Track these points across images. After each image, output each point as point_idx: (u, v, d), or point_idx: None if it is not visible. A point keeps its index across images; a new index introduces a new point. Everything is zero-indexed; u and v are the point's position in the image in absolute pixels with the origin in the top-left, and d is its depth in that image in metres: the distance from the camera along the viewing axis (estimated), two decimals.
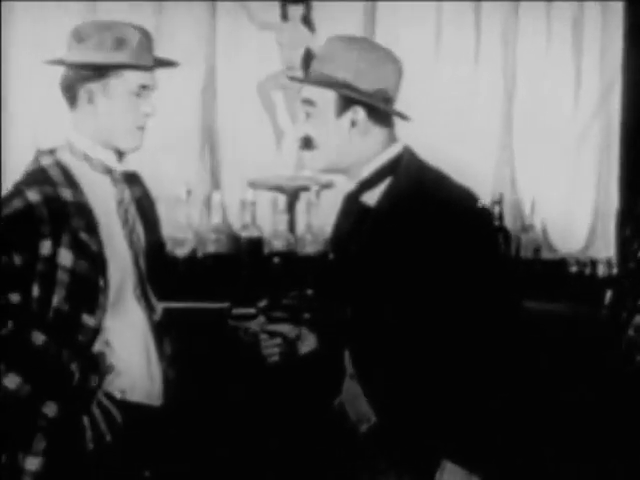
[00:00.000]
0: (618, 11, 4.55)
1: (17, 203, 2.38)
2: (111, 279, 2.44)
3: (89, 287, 2.41)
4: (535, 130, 4.55)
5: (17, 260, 2.37)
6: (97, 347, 2.43)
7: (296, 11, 4.44)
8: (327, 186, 4.31)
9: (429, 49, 4.54)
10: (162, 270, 2.62)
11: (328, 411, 2.45)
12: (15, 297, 2.37)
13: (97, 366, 2.41)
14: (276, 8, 4.45)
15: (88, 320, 2.41)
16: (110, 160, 2.50)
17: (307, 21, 4.46)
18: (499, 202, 4.28)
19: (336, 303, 2.44)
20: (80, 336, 2.40)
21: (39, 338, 2.37)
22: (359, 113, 2.37)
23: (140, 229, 2.57)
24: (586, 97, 4.58)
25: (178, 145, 4.37)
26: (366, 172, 2.40)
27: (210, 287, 3.98)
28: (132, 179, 2.59)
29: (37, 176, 2.45)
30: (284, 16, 4.45)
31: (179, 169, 4.37)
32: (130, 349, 2.49)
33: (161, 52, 4.21)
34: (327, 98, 2.37)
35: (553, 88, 4.56)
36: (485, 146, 4.55)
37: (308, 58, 4.44)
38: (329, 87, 2.36)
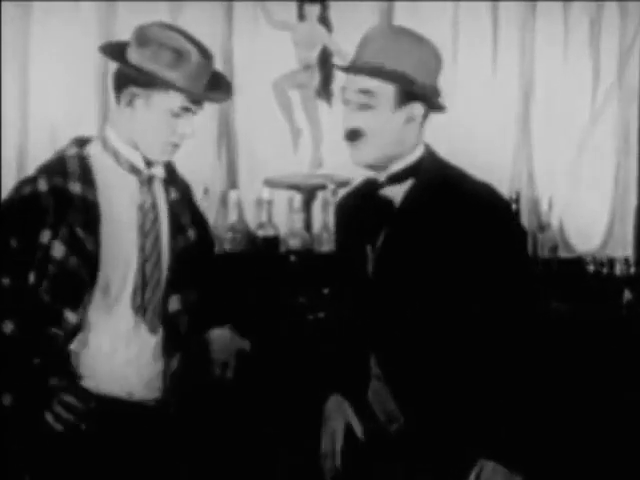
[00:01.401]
0: (636, 11, 4.53)
1: (26, 189, 2.43)
2: (107, 280, 2.43)
3: (75, 283, 2.41)
4: (552, 129, 4.53)
5: (13, 244, 2.40)
6: (74, 345, 2.43)
7: (313, 10, 4.43)
8: (343, 184, 4.30)
9: (447, 48, 4.52)
10: (186, 279, 2.57)
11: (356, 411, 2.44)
12: (5, 281, 2.40)
13: (62, 366, 2.42)
14: (293, 7, 4.45)
15: (69, 316, 2.41)
16: (138, 162, 2.49)
17: (324, 20, 4.46)
18: (516, 200, 4.26)
19: (359, 304, 2.42)
20: (57, 330, 2.41)
21: (8, 327, 2.39)
22: (417, 109, 2.32)
23: (164, 236, 2.53)
24: (604, 96, 4.56)
25: (195, 144, 4.32)
26: (395, 168, 2.37)
27: (226, 285, 3.98)
28: (169, 182, 2.57)
29: (54, 165, 2.47)
30: (301, 15, 4.45)
31: (196, 168, 4.32)
32: (109, 352, 2.47)
33: None
34: (386, 91, 2.30)
35: (570, 87, 4.55)
36: (502, 144, 4.54)
37: (324, 57, 4.45)
38: (395, 81, 2.30)
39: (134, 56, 2.44)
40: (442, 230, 2.30)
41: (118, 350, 2.48)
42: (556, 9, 4.55)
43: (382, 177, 2.39)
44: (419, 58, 2.32)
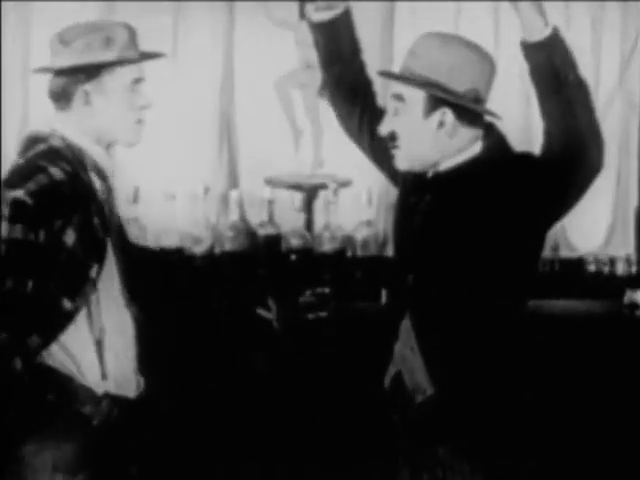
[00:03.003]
0: (638, 11, 4.53)
1: (42, 179, 2.36)
2: (109, 272, 2.45)
3: (80, 272, 2.39)
4: None
5: (42, 237, 2.34)
6: (95, 334, 2.43)
7: None
8: (345, 184, 4.32)
9: None
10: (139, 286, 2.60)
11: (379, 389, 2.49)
12: (31, 283, 2.34)
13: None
14: (294, 7, 4.45)
15: (66, 304, 2.38)
16: (103, 157, 2.50)
17: None
18: None
19: (402, 274, 2.47)
20: (52, 317, 2.37)
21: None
22: (447, 115, 2.35)
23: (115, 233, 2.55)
24: (605, 97, 4.56)
25: (196, 142, 4.38)
26: (443, 167, 2.41)
27: (227, 284, 3.99)
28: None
29: (53, 155, 2.43)
30: (302, 15, 4.45)
31: (197, 166, 4.37)
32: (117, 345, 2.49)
33: (179, 50, 4.31)
34: (416, 96, 2.35)
35: None
36: None
37: None
38: (419, 87, 2.35)
39: (65, 58, 2.45)
40: (481, 206, 2.36)
41: (125, 344, 2.51)
42: (557, 8, 4.55)
43: (429, 174, 2.45)
44: (454, 64, 2.34)
